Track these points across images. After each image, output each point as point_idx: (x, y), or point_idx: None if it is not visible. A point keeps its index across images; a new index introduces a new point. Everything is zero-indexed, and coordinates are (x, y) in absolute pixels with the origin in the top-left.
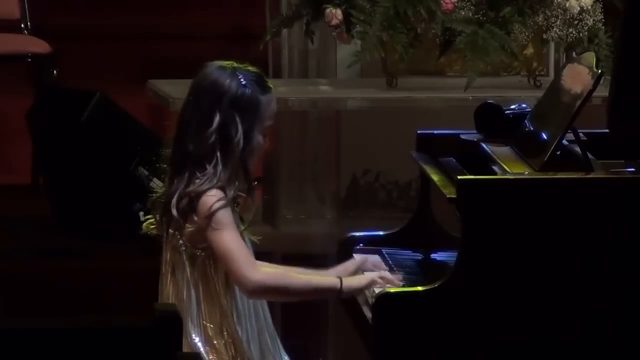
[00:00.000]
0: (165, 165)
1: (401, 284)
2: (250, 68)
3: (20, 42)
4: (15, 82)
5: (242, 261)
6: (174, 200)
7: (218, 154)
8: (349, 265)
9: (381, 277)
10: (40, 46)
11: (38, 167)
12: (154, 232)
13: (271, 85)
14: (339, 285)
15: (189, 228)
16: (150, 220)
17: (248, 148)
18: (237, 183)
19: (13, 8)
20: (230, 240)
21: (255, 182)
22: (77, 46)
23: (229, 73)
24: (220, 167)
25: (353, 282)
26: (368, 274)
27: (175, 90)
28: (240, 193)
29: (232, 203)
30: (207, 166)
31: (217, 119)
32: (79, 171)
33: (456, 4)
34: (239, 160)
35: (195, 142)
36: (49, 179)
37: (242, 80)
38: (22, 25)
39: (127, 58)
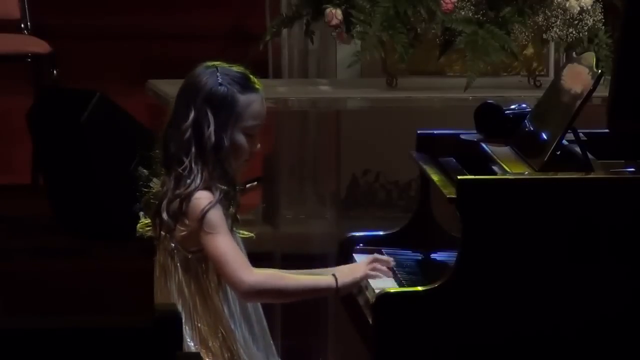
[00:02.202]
0: (160, 166)
1: (393, 263)
2: (235, 68)
3: (20, 42)
4: (15, 82)
5: (236, 264)
6: (164, 203)
7: (193, 149)
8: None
9: (373, 261)
10: (40, 46)
11: (38, 167)
12: (149, 234)
13: (257, 87)
14: (334, 284)
15: (181, 231)
16: (145, 222)
17: (224, 146)
18: (219, 181)
19: (13, 8)
20: (223, 243)
21: (255, 182)
22: (77, 46)
23: (209, 71)
24: (197, 165)
25: (348, 278)
26: (360, 263)
27: (175, 90)
28: (224, 187)
29: (223, 202)
30: (185, 161)
31: (191, 115)
32: (79, 171)
33: (456, 4)
34: (215, 158)
35: (174, 139)
36: (49, 179)
37: (219, 77)
38: (22, 25)
39: (127, 58)
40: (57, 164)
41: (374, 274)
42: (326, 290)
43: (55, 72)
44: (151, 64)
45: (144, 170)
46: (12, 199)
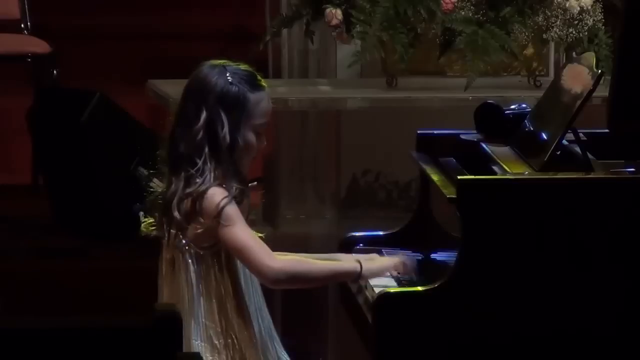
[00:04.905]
0: (163, 166)
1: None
2: (241, 66)
3: (20, 42)
4: (15, 82)
5: (261, 252)
6: (174, 202)
7: (206, 150)
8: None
9: (399, 264)
10: (40, 46)
11: (38, 167)
12: (154, 233)
13: (264, 84)
14: (358, 269)
15: (196, 228)
16: (150, 222)
17: (237, 145)
18: (233, 180)
19: (13, 8)
20: (244, 233)
21: (255, 182)
22: (77, 46)
23: (217, 71)
24: (211, 164)
25: (374, 266)
26: (389, 259)
27: (175, 90)
28: (238, 186)
29: (236, 200)
30: (198, 162)
31: (203, 115)
32: (79, 171)
33: (456, 4)
34: (229, 157)
35: (185, 140)
36: (49, 179)
37: (229, 77)
38: (22, 25)
39: (127, 58)
40: (57, 164)
41: (401, 266)
42: (350, 274)
43: (55, 72)
44: (151, 64)
45: (144, 170)
46: (12, 199)
